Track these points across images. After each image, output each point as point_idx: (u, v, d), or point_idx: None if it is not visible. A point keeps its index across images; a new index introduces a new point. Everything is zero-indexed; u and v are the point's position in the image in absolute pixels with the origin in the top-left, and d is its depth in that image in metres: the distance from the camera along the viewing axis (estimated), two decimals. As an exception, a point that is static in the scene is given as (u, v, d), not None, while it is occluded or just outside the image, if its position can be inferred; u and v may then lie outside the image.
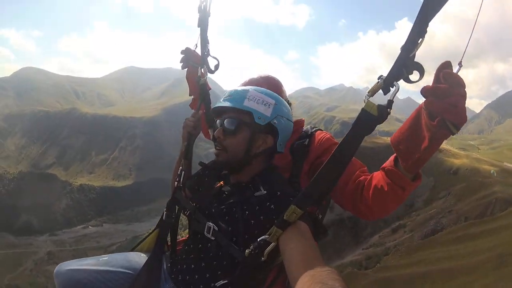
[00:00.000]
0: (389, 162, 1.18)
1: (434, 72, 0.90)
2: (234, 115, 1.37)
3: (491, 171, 34.82)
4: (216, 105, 1.43)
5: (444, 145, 42.12)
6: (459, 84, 0.89)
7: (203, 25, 1.82)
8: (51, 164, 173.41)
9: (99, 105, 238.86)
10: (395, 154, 1.13)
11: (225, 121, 1.38)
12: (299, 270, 0.88)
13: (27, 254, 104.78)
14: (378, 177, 1.25)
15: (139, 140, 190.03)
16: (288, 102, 1.66)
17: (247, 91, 1.38)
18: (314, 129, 1.72)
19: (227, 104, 1.36)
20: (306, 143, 1.63)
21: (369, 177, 1.34)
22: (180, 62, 1.96)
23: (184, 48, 1.94)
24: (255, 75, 1.83)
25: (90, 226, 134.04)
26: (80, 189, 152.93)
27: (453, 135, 0.93)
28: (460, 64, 0.95)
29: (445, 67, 0.89)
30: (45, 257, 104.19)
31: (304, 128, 1.76)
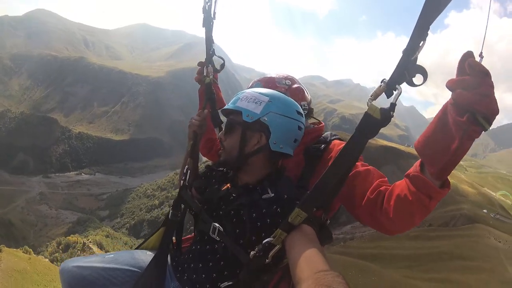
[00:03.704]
0: (414, 168, 1.08)
1: (457, 64, 0.87)
2: (232, 116, 1.41)
3: (483, 210, 38.41)
4: (222, 109, 1.49)
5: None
6: (487, 74, 0.85)
7: (207, 25, 1.84)
8: (52, 108, 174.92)
9: (107, 57, 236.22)
10: (420, 160, 1.05)
11: (225, 122, 1.44)
12: (303, 273, 0.88)
13: (20, 192, 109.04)
14: (401, 186, 1.15)
15: (141, 98, 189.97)
16: (308, 107, 1.71)
17: (243, 92, 1.43)
18: (334, 136, 1.68)
19: (227, 106, 1.42)
20: (322, 147, 1.58)
21: (390, 187, 1.24)
22: (197, 74, 1.96)
23: (203, 61, 1.93)
24: (274, 74, 1.81)
25: (83, 174, 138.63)
26: (78, 136, 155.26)
27: (485, 131, 0.87)
28: (481, 55, 0.92)
29: (468, 57, 0.86)
30: (37, 197, 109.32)
31: (324, 134, 1.73)
